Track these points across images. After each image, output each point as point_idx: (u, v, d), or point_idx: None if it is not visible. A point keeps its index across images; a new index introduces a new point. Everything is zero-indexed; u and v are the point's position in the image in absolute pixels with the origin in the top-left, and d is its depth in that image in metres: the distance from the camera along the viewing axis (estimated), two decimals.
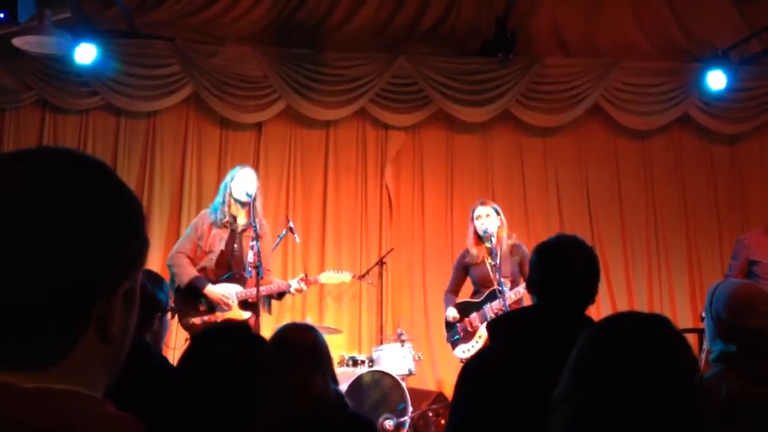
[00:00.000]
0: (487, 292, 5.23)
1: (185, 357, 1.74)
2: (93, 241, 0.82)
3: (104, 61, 6.63)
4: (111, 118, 7.15)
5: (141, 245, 0.90)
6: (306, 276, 5.13)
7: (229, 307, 4.92)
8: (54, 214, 0.80)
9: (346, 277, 5.35)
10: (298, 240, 6.01)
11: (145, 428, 0.81)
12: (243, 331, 2.04)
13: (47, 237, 0.80)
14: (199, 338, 1.82)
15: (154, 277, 2.83)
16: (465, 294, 5.54)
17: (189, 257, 4.98)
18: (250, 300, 4.96)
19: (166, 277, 4.20)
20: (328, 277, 5.29)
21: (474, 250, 5.32)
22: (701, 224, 7.57)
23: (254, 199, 4.98)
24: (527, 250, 5.17)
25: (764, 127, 7.66)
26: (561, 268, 2.16)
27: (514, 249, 5.30)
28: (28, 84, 6.88)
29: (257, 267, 4.74)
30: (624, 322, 1.51)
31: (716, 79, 7.03)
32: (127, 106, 7.04)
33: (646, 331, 1.42)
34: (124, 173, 6.96)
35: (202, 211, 5.32)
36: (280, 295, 5.19)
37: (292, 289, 5.00)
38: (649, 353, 1.38)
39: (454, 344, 5.38)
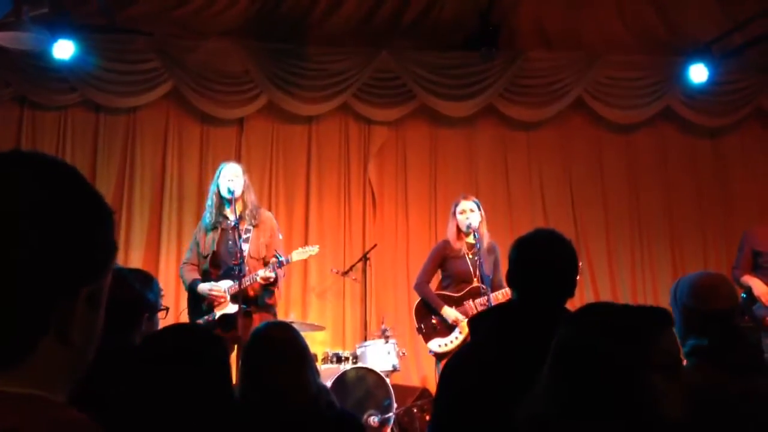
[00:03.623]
0: (468, 288, 5.22)
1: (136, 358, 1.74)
2: (53, 246, 0.81)
3: (83, 57, 6.57)
4: (90, 115, 7.08)
5: (106, 252, 0.89)
6: (277, 260, 5.02)
7: (221, 300, 4.96)
8: (15, 219, 0.80)
9: (314, 249, 5.33)
10: (280, 236, 5.96)
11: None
12: (190, 332, 2.09)
13: (6, 241, 0.79)
14: (145, 339, 1.84)
15: (143, 277, 2.75)
16: (432, 285, 5.49)
17: (194, 265, 5.18)
18: (250, 294, 4.99)
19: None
20: (299, 254, 5.26)
21: (456, 244, 5.32)
22: (684, 217, 7.61)
23: (242, 193, 5.08)
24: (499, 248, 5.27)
25: (746, 120, 7.71)
26: (539, 263, 2.16)
27: (490, 247, 5.33)
28: (5, 80, 6.81)
29: (240, 263, 4.77)
30: (597, 312, 1.51)
31: (698, 73, 7.07)
32: (107, 102, 6.97)
33: (616, 321, 1.42)
34: (104, 170, 6.92)
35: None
36: (272, 283, 5.12)
37: (258, 278, 4.94)
38: (618, 344, 1.38)
39: (427, 336, 5.32)
